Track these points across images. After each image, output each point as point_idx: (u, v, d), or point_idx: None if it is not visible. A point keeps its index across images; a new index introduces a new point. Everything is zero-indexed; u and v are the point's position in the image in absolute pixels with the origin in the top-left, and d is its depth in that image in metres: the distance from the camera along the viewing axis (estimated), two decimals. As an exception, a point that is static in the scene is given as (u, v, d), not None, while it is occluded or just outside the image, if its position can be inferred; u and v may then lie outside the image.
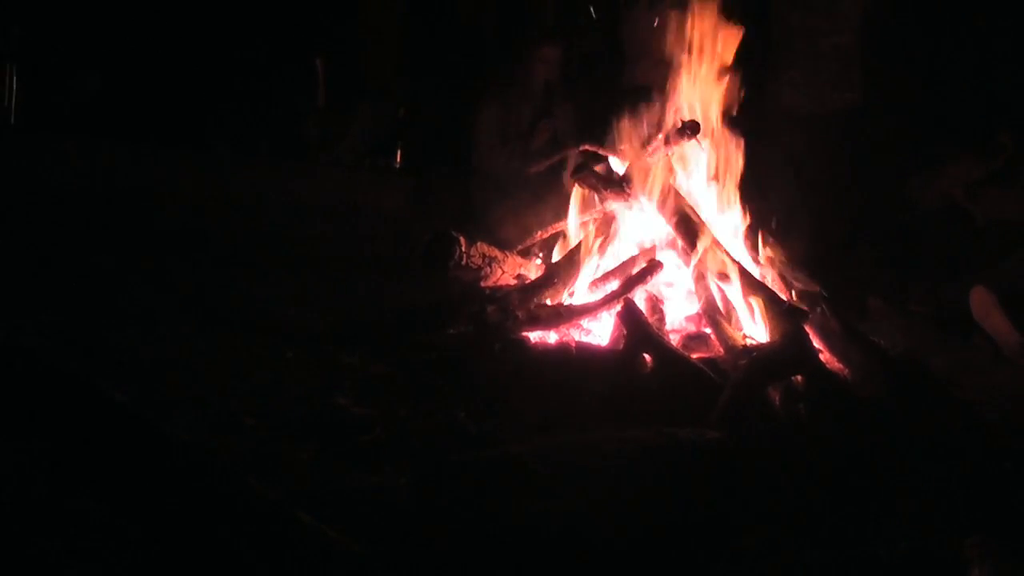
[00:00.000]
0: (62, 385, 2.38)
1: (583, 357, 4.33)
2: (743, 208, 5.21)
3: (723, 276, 4.68)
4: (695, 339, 4.61)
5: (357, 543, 2.39)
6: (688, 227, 4.84)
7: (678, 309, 4.87)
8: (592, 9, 7.63)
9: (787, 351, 4.21)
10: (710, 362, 4.27)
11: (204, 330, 4.41)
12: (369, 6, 8.71)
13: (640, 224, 5.14)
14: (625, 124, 5.17)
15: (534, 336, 4.52)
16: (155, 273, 5.29)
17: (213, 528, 2.26)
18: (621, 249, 5.10)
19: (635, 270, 4.86)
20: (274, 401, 3.72)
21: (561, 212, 5.46)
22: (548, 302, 4.83)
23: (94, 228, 6.05)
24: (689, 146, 5.10)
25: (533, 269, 5.35)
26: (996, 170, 6.35)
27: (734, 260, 4.80)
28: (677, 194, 4.98)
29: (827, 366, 4.37)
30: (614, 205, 5.15)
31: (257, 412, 3.56)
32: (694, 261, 4.77)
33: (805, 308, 4.61)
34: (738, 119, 5.16)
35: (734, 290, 4.65)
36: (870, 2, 6.70)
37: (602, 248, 5.09)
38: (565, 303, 4.83)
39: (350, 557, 2.35)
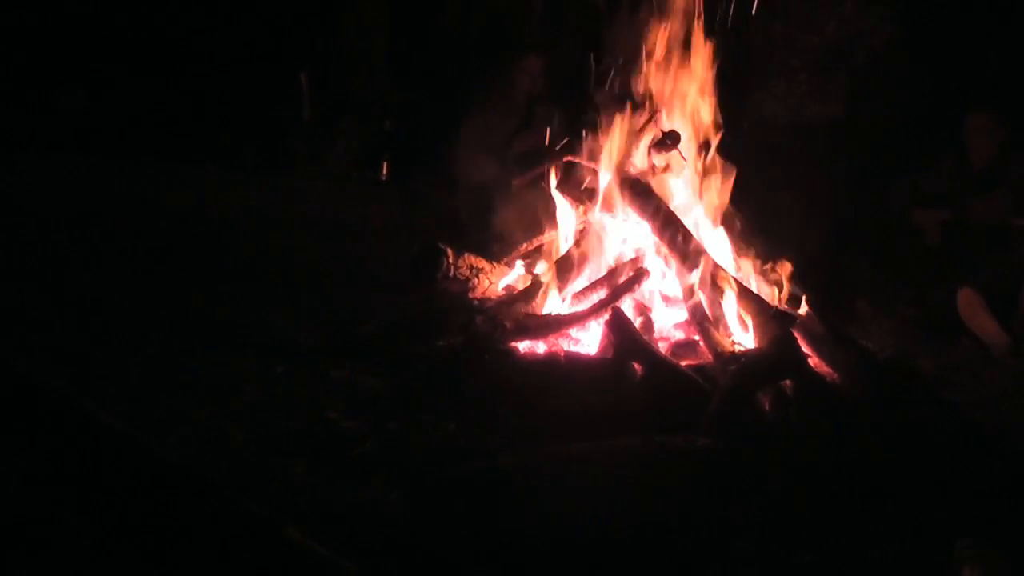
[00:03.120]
0: (50, 406, 2.38)
1: (572, 366, 4.33)
2: (729, 215, 5.22)
3: (711, 283, 4.69)
4: (684, 346, 4.62)
5: (348, 559, 2.39)
6: (674, 235, 4.85)
7: (666, 317, 4.87)
8: (576, 18, 7.66)
9: (776, 356, 4.22)
10: (699, 369, 4.27)
11: (192, 346, 4.39)
12: (354, 19, 8.71)
13: (626, 233, 5.15)
14: (608, 134, 5.19)
15: (523, 346, 4.52)
16: (142, 290, 5.27)
17: (203, 546, 2.26)
18: (607, 258, 5.10)
19: (622, 279, 4.86)
20: (264, 417, 3.71)
21: (547, 223, 5.47)
22: (536, 312, 4.83)
23: (79, 245, 6.03)
24: (672, 155, 5.12)
25: (521, 279, 5.35)
26: (976, 175, 6.38)
27: (721, 267, 4.82)
28: (662, 202, 4.99)
29: (816, 370, 4.38)
30: (599, 215, 5.16)
31: (247, 428, 3.56)
32: (680, 268, 4.78)
33: (792, 313, 4.62)
34: (723, 128, 5.17)
35: (722, 296, 4.66)
36: (852, 15, 6.73)
37: (588, 257, 5.10)
38: (553, 313, 4.84)
39: (341, 573, 2.35)
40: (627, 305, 4.73)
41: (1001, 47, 6.82)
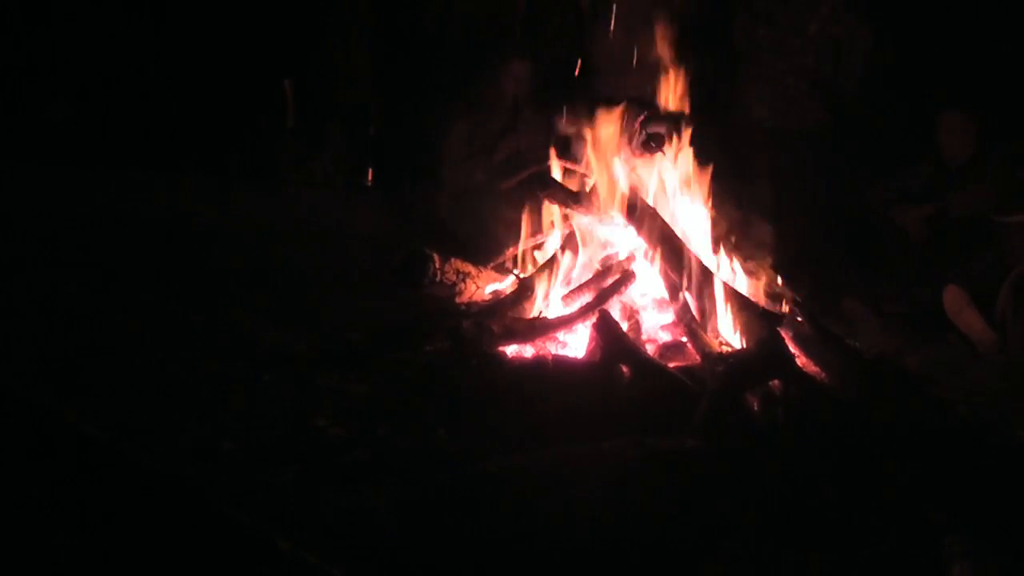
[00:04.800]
0: (35, 418, 2.36)
1: (560, 370, 4.33)
2: (714, 216, 5.23)
3: (697, 284, 4.70)
4: (671, 348, 4.62)
5: (338, 567, 2.38)
6: (660, 237, 4.86)
7: (653, 319, 4.88)
8: (558, 21, 7.67)
9: (763, 356, 4.23)
10: (687, 370, 4.28)
11: (178, 355, 4.38)
12: (338, 26, 8.70)
13: (611, 236, 5.15)
14: (592, 137, 5.20)
15: (511, 350, 4.52)
16: (127, 300, 5.25)
17: (192, 557, 2.25)
18: (594, 261, 5.11)
19: (609, 281, 4.87)
20: (252, 425, 3.70)
21: (533, 226, 5.48)
22: (524, 316, 4.83)
23: (62, 255, 6.01)
24: (656, 157, 5.13)
25: (507, 283, 5.35)
26: (954, 172, 6.41)
27: (708, 268, 4.82)
28: (647, 205, 5.00)
29: (804, 370, 4.38)
30: (584, 218, 5.17)
31: (235, 437, 3.55)
32: (666, 270, 4.79)
33: (779, 313, 4.63)
34: (707, 129, 5.19)
35: (709, 297, 4.66)
36: (830, 17, 6.76)
37: (575, 261, 5.10)
38: (540, 316, 4.84)
39: (331, 581, 2.35)
40: (614, 308, 4.73)
41: (976, 45, 6.86)
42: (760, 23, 6.85)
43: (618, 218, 5.04)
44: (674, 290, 4.75)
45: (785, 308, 4.78)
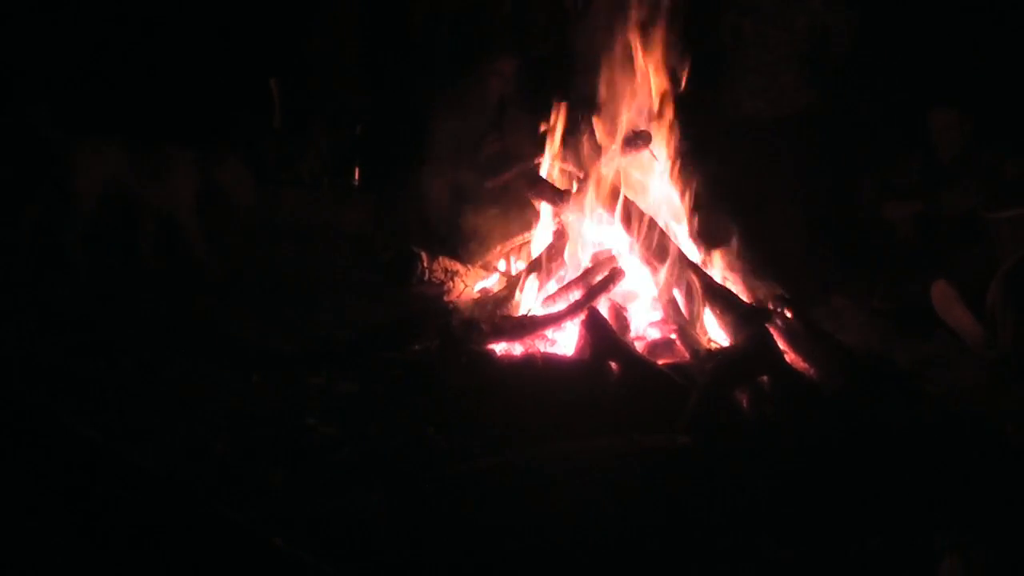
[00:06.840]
0: (29, 420, 2.36)
1: (549, 367, 4.32)
2: (702, 213, 5.23)
3: (686, 281, 4.70)
4: (660, 345, 4.62)
5: (331, 564, 2.38)
6: (648, 234, 4.86)
7: (642, 316, 4.87)
8: (544, 20, 7.66)
9: (752, 353, 4.23)
10: (676, 367, 4.27)
11: (169, 357, 4.37)
12: (325, 25, 8.68)
13: (599, 233, 5.15)
14: (578, 135, 5.20)
15: (500, 348, 4.51)
16: (116, 301, 5.24)
17: (188, 557, 2.25)
18: (582, 259, 5.10)
19: (597, 279, 4.86)
20: (243, 425, 3.70)
21: (521, 225, 5.47)
22: (512, 314, 4.83)
23: (53, 257, 5.99)
24: (643, 155, 5.13)
25: (495, 282, 5.35)
26: (945, 168, 6.42)
27: (695, 265, 4.82)
28: (634, 203, 5.00)
29: (793, 366, 4.39)
30: (572, 216, 5.16)
31: (226, 437, 3.54)
32: (655, 267, 4.79)
33: (768, 309, 4.63)
34: (692, 126, 5.19)
35: (697, 294, 4.66)
36: (819, 9, 6.76)
37: (563, 258, 5.10)
38: (529, 314, 4.83)
39: (325, 579, 2.35)
40: (603, 305, 4.72)
41: (965, 41, 6.88)
42: (746, 17, 6.84)
43: (605, 215, 5.03)
44: (663, 287, 4.75)
45: (773, 305, 4.78)
